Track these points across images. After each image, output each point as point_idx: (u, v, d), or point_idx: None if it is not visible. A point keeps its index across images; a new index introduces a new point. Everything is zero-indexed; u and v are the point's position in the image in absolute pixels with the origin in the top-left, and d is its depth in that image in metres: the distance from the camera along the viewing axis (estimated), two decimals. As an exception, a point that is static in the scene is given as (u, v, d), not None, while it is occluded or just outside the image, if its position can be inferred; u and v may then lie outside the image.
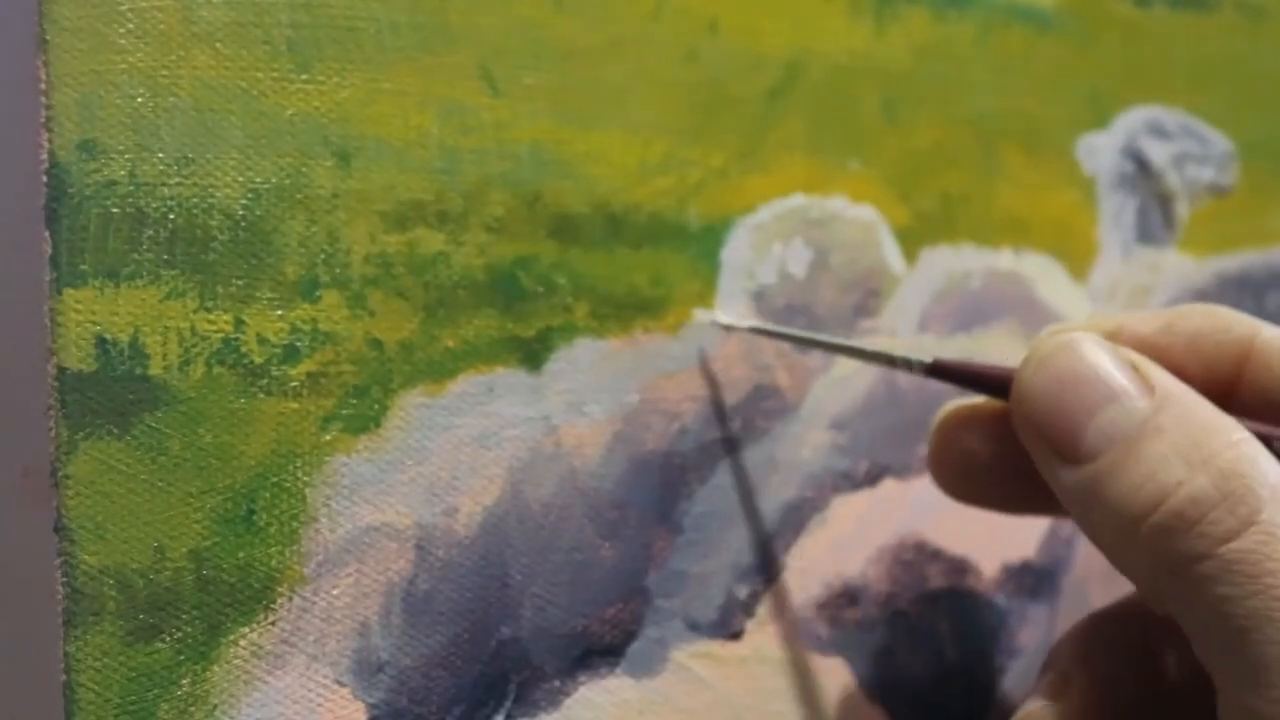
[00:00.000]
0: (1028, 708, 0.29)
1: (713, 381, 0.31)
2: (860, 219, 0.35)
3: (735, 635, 0.32)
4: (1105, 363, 0.26)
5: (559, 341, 0.31)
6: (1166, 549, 0.24)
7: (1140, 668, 0.29)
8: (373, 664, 0.28)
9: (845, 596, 0.33)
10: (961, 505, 0.31)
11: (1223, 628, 0.23)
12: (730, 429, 0.32)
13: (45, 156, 0.26)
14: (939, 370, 0.29)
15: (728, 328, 0.32)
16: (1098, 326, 0.28)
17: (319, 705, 0.27)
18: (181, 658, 0.26)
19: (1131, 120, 0.40)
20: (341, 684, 0.28)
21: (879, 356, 0.30)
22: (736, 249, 0.33)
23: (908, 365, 0.29)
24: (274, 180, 0.28)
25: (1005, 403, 0.27)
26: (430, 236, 0.29)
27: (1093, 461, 0.25)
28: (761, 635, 0.32)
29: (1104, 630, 0.30)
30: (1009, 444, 0.28)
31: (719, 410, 0.32)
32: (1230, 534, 0.23)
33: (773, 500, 0.33)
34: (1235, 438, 0.24)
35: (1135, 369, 0.26)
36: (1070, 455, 0.25)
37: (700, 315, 0.32)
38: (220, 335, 0.27)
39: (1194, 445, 0.24)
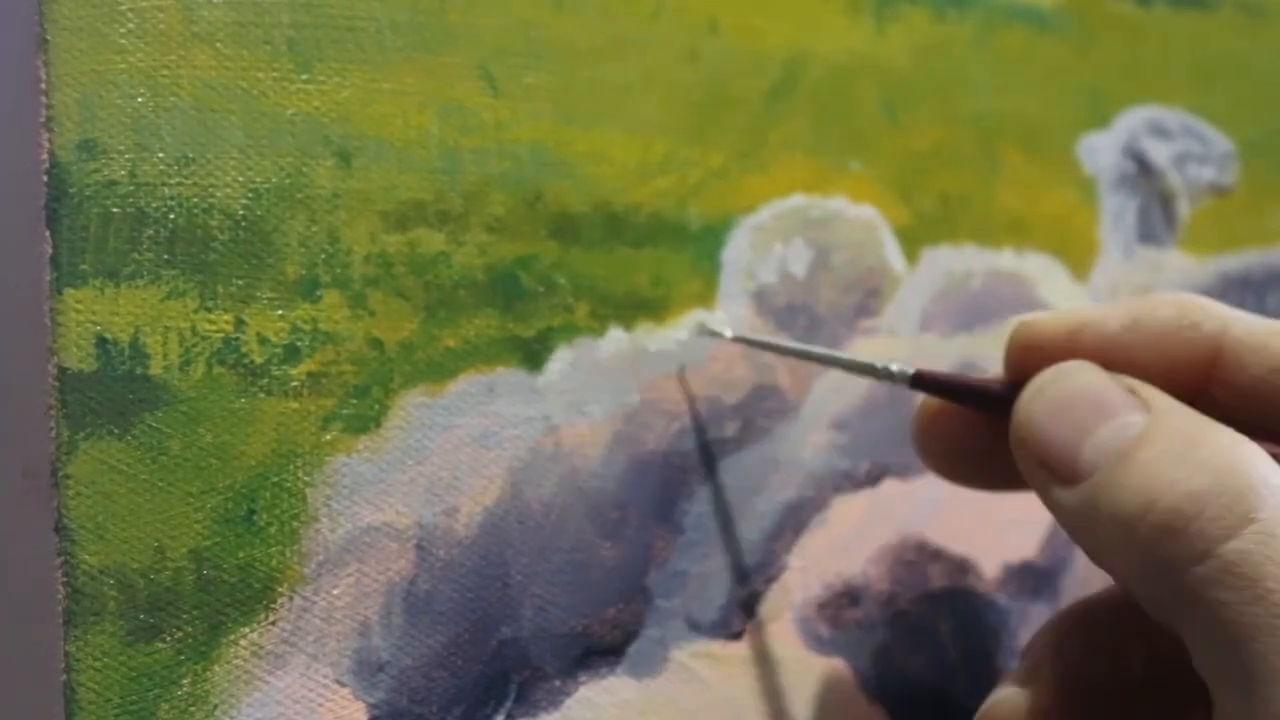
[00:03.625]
0: (997, 694, 0.29)
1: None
2: (861, 219, 0.35)
3: (736, 635, 0.32)
4: (1101, 384, 0.25)
5: (559, 341, 0.31)
6: (1164, 550, 0.23)
7: (1108, 662, 0.28)
8: (373, 664, 0.28)
9: (846, 596, 0.33)
10: (964, 503, 0.31)
11: (1221, 636, 0.22)
12: (719, 435, 0.32)
13: (45, 156, 0.26)
14: (922, 381, 0.29)
15: (718, 335, 0.31)
16: (1063, 323, 0.27)
17: (319, 705, 0.27)
18: (182, 658, 0.26)
19: (1132, 120, 0.40)
20: (342, 684, 0.27)
21: (862, 367, 0.30)
22: (737, 249, 0.33)
23: (890, 376, 0.29)
24: (274, 180, 0.28)
25: (988, 414, 0.27)
26: (431, 236, 0.29)
27: (1089, 478, 0.24)
28: (762, 635, 0.32)
29: (1079, 622, 0.29)
30: (994, 432, 0.27)
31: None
32: (1229, 531, 0.22)
33: (773, 500, 0.33)
34: (1236, 439, 0.24)
35: (1131, 391, 0.25)
36: (1068, 476, 0.25)
37: (703, 321, 0.31)
38: (220, 335, 0.27)
39: (1190, 445, 0.24)
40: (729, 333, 0.31)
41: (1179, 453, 0.24)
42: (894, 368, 0.29)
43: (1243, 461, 0.23)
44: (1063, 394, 0.26)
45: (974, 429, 0.29)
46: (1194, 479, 0.23)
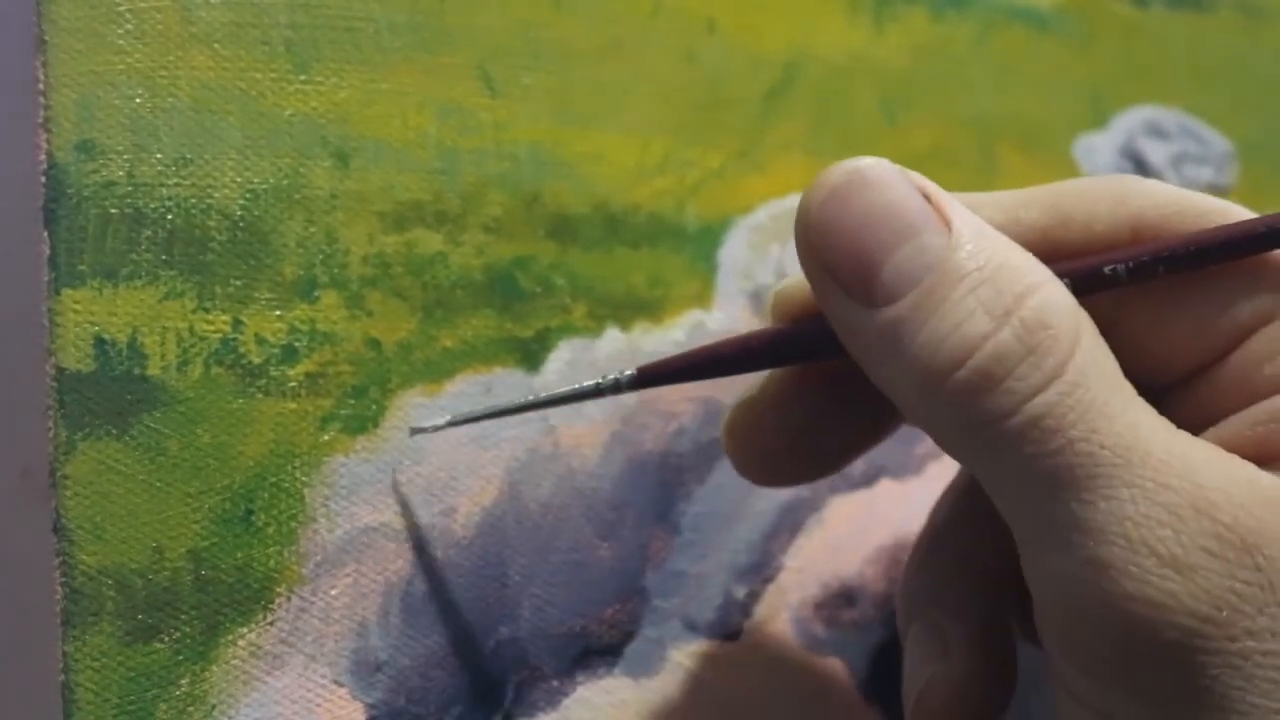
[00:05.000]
0: (919, 685, 0.27)
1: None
2: (858, 219, 0.35)
3: (733, 635, 0.32)
4: (900, 193, 0.24)
5: (557, 341, 0.31)
6: (971, 407, 0.22)
7: (1004, 598, 0.27)
8: (371, 664, 0.28)
9: (842, 597, 0.33)
10: None
11: (1026, 487, 0.22)
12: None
13: (44, 157, 0.26)
14: (647, 378, 0.27)
15: (421, 430, 0.29)
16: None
17: (317, 705, 0.27)
18: (180, 658, 0.26)
19: (1130, 120, 0.40)
20: (340, 684, 0.28)
21: (583, 393, 0.27)
22: (734, 249, 0.33)
23: (615, 387, 0.27)
24: (272, 181, 0.28)
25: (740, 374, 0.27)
26: (428, 237, 0.29)
27: (890, 305, 0.23)
28: (759, 635, 0.32)
29: (950, 562, 0.28)
30: (794, 426, 0.27)
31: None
32: (1035, 390, 0.22)
33: (770, 500, 0.33)
34: (1038, 279, 0.23)
35: (929, 199, 0.24)
36: (863, 297, 0.23)
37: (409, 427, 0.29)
38: (218, 335, 0.27)
39: (998, 293, 0.23)
40: (444, 419, 0.28)
41: (988, 301, 0.22)
42: (612, 376, 0.27)
43: (1051, 313, 0.22)
44: (858, 200, 0.24)
45: (788, 417, 0.28)
46: (1003, 335, 0.22)
